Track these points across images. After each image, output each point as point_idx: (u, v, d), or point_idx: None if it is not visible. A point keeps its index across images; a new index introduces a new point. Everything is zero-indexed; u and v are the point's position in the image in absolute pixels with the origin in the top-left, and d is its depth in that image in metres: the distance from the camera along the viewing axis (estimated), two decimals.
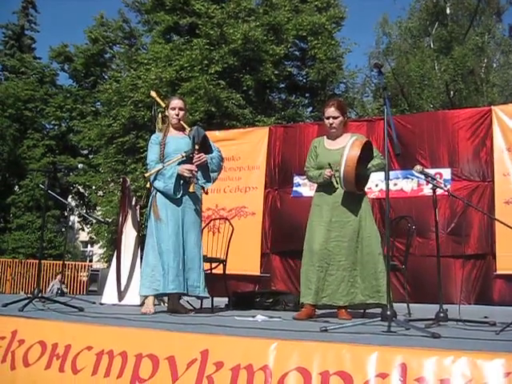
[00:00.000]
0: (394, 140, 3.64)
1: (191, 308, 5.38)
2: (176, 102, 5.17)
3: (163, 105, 5.29)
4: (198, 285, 4.94)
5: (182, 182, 4.95)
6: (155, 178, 4.99)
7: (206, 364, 2.63)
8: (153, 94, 5.52)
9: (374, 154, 4.80)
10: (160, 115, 5.32)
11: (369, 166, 4.74)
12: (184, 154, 4.92)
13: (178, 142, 5.07)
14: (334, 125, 4.83)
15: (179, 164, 4.94)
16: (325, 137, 5.02)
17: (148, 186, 5.05)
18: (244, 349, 2.64)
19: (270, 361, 2.52)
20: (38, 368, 3.06)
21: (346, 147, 4.51)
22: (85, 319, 3.71)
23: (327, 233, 4.68)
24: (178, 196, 4.94)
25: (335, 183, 4.66)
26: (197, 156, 4.95)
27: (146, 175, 5.07)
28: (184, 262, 4.89)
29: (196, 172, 4.97)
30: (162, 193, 4.95)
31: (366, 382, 2.32)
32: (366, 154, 4.62)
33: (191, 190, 4.94)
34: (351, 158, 4.43)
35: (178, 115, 5.11)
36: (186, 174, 4.90)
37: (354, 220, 4.69)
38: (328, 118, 4.85)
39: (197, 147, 4.96)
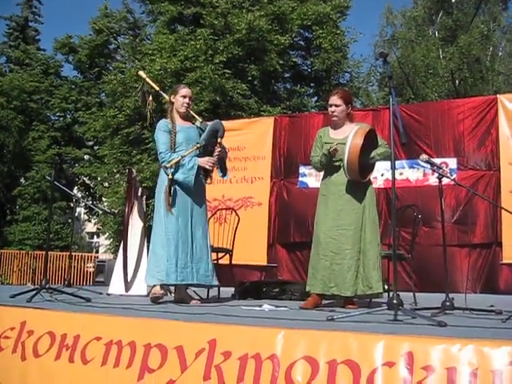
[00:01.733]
0: (400, 129, 3.64)
1: (198, 298, 5.40)
2: (186, 91, 5.15)
3: (156, 87, 5.27)
4: (208, 274, 4.98)
5: (200, 174, 5.00)
6: (172, 168, 4.95)
7: (214, 353, 2.65)
8: (141, 74, 5.47)
9: (379, 143, 4.82)
10: (151, 97, 5.30)
11: (372, 154, 4.74)
12: (198, 145, 4.93)
13: (188, 131, 5.08)
14: (335, 113, 4.85)
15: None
16: (329, 127, 5.03)
17: (170, 177, 4.93)
18: (251, 338, 2.66)
19: (277, 350, 2.53)
20: (48, 359, 3.09)
21: (349, 136, 4.52)
22: (93, 309, 3.73)
23: (333, 221, 4.69)
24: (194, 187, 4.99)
25: (337, 162, 4.67)
26: (218, 149, 5.00)
27: (168, 165, 4.87)
28: (193, 252, 4.92)
29: (216, 164, 5.02)
30: (180, 183, 4.94)
31: (373, 370, 2.34)
32: (370, 142, 4.62)
33: (209, 181, 5.03)
34: (354, 147, 4.44)
35: (188, 105, 5.11)
36: (207, 167, 4.94)
37: (359, 208, 4.70)
38: (330, 106, 4.88)
39: (219, 140, 4.99)
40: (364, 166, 4.63)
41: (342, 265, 4.58)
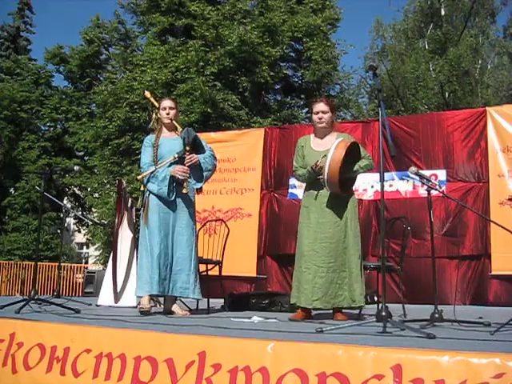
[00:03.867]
0: (389, 142, 3.66)
1: (187, 309, 5.39)
2: (165, 103, 5.20)
3: (157, 105, 5.30)
4: (188, 286, 4.93)
5: (174, 183, 4.97)
6: (148, 181, 5.00)
7: (204, 366, 2.65)
8: (147, 94, 5.53)
9: (362, 155, 4.79)
10: (154, 116, 5.33)
11: (356, 167, 4.74)
12: (176, 156, 4.94)
13: (171, 143, 5.08)
14: (323, 119, 4.82)
15: (171, 165, 4.96)
16: (311, 136, 5.00)
17: (142, 188, 5.06)
18: (241, 350, 2.66)
19: (267, 362, 2.53)
20: (40, 371, 3.08)
21: (330, 149, 4.49)
22: (82, 321, 3.72)
23: (315, 234, 4.68)
24: (172, 198, 4.95)
25: (322, 180, 4.63)
26: (188, 157, 4.96)
27: (139, 178, 5.10)
28: (173, 264, 4.91)
29: (188, 173, 4.97)
30: (156, 195, 4.97)
31: (363, 383, 2.34)
32: (352, 155, 4.62)
33: (184, 191, 4.96)
34: (335, 161, 4.40)
35: (168, 114, 5.13)
36: (178, 176, 4.92)
37: (341, 221, 4.68)
38: (317, 113, 4.84)
39: (188, 148, 4.97)
40: (345, 179, 4.63)
41: (326, 278, 4.56)
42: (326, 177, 4.46)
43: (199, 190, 5.23)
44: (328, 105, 4.87)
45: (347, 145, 4.52)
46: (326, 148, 4.69)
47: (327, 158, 4.44)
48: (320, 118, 4.83)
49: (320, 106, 4.85)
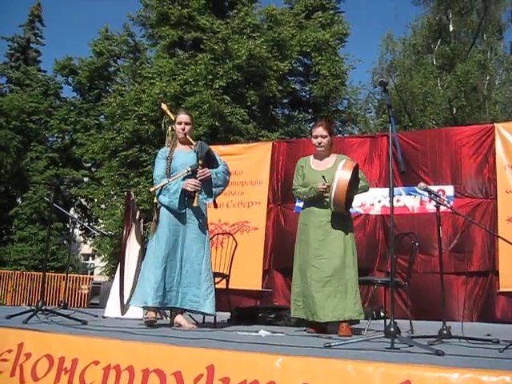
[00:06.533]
0: (398, 158, 3.67)
1: (194, 322, 5.38)
2: (182, 117, 5.18)
3: (173, 118, 5.30)
4: (197, 300, 4.89)
5: (186, 197, 4.97)
6: (160, 193, 5.00)
7: (213, 380, 2.64)
8: (164, 106, 5.52)
9: (359, 176, 4.89)
10: (170, 128, 5.34)
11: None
12: (189, 169, 4.93)
13: (185, 156, 5.08)
14: (322, 144, 4.94)
15: (184, 179, 4.96)
16: (311, 157, 5.12)
17: (155, 200, 5.06)
18: (250, 364, 2.64)
19: (276, 377, 2.52)
20: (48, 382, 3.06)
21: (337, 169, 4.56)
22: (90, 333, 3.71)
23: (314, 251, 4.77)
24: (183, 211, 4.95)
25: (327, 198, 4.68)
26: (200, 171, 4.97)
27: (151, 190, 5.08)
28: (181, 277, 4.88)
29: (200, 187, 4.98)
30: (167, 207, 4.97)
31: None
32: (354, 176, 4.67)
33: (195, 204, 4.94)
34: (343, 181, 4.48)
35: (183, 129, 5.12)
36: (189, 189, 4.92)
37: (340, 238, 4.76)
38: (316, 138, 4.96)
39: (200, 162, 4.97)
40: (349, 199, 4.69)
41: (322, 292, 4.62)
42: (333, 195, 4.51)
43: (214, 204, 5.21)
44: (326, 129, 4.96)
45: (353, 165, 4.60)
46: (325, 168, 4.87)
47: (334, 178, 4.48)
48: (319, 143, 4.95)
49: (319, 131, 4.95)
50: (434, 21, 24.68)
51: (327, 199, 4.67)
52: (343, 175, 4.49)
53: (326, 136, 4.92)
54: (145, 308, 4.94)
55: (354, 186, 4.70)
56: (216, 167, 5.11)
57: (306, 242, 4.87)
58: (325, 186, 4.67)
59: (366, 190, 5.02)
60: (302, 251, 4.89)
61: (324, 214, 4.80)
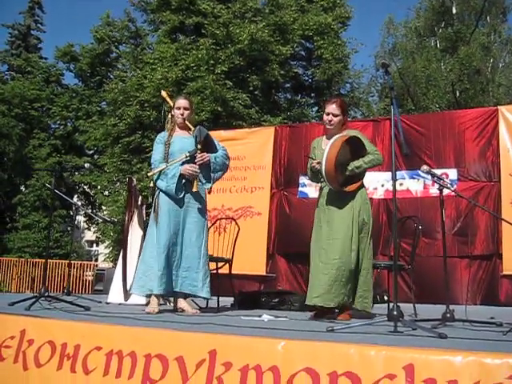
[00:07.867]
0: (401, 140, 3.63)
1: (197, 307, 5.38)
2: (181, 102, 5.15)
3: (172, 104, 5.27)
4: (196, 284, 4.88)
5: (184, 181, 4.94)
6: (158, 178, 4.97)
7: (215, 364, 2.63)
8: (163, 93, 5.48)
9: (368, 150, 4.68)
10: (169, 115, 5.31)
11: (359, 163, 4.62)
12: (188, 154, 4.91)
13: (183, 141, 5.05)
14: (332, 122, 4.75)
15: (183, 164, 4.93)
16: (324, 137, 4.97)
17: (152, 185, 5.04)
18: (252, 349, 2.64)
19: (278, 361, 2.51)
20: (50, 368, 3.06)
21: (326, 147, 4.48)
22: (92, 318, 3.71)
23: (324, 233, 4.65)
24: (181, 196, 4.92)
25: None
26: (199, 156, 4.94)
27: (149, 174, 5.05)
28: (181, 261, 4.88)
29: (198, 171, 4.96)
30: (165, 192, 4.95)
31: (375, 382, 2.32)
32: (354, 150, 4.56)
33: (194, 189, 4.92)
34: (330, 156, 4.37)
35: (182, 115, 5.09)
36: (187, 174, 4.90)
37: (348, 217, 4.58)
38: (328, 115, 4.77)
39: (199, 147, 4.93)
40: (349, 176, 4.59)
41: (329, 275, 4.46)
42: (323, 173, 4.45)
43: (209, 190, 5.19)
44: (340, 107, 4.76)
45: (343, 139, 4.47)
46: None
47: (323, 154, 4.42)
48: (330, 121, 4.77)
49: (331, 108, 4.76)
50: (437, 3, 24.49)
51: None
52: (331, 150, 4.38)
53: (337, 115, 4.72)
54: (160, 295, 4.95)
55: (352, 160, 4.56)
56: (215, 152, 5.08)
57: (317, 225, 4.76)
58: (314, 164, 4.60)
59: (376, 163, 4.72)
60: (315, 234, 4.77)
61: (332, 194, 4.67)
